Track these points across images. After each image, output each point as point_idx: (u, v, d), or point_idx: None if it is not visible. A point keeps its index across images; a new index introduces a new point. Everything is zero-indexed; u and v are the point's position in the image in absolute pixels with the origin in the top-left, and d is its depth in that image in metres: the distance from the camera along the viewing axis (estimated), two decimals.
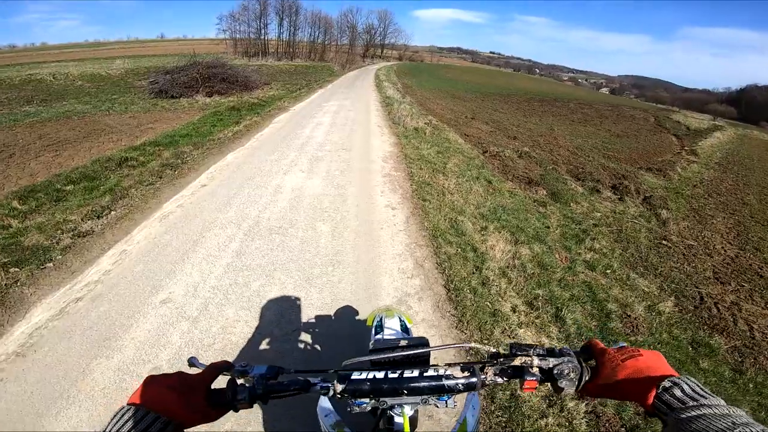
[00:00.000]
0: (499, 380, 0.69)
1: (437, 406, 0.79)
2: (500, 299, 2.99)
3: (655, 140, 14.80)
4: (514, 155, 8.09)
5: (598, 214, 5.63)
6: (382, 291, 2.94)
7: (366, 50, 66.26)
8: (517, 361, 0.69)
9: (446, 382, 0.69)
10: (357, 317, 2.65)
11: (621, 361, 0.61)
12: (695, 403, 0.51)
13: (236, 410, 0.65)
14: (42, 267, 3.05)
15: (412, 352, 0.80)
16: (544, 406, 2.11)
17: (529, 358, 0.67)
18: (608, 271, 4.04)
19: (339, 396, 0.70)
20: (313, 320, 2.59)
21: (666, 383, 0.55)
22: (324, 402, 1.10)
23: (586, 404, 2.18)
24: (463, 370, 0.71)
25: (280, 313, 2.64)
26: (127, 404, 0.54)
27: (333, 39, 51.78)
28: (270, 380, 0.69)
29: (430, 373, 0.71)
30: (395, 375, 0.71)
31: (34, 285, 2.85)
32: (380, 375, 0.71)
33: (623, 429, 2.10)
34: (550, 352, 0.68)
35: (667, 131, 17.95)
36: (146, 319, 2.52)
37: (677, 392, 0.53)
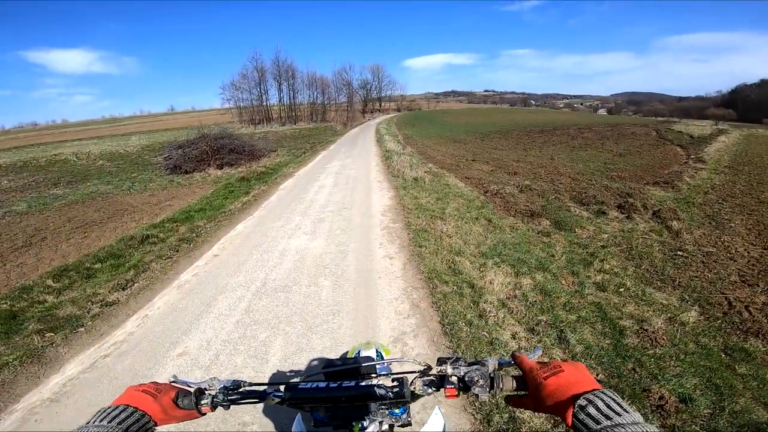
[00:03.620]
0: (429, 390, 0.77)
1: (393, 423, 0.87)
2: (498, 328, 2.97)
3: (659, 153, 14.71)
4: (515, 191, 8.20)
5: (606, 236, 5.53)
6: (379, 332, 3.03)
7: (365, 105, 68.01)
8: (435, 371, 0.77)
9: (377, 391, 0.78)
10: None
11: (543, 379, 0.61)
12: (609, 422, 0.50)
13: (200, 413, 0.76)
14: (75, 331, 3.45)
15: (350, 366, 0.92)
16: (549, 426, 2.01)
17: (445, 367, 0.75)
18: (621, 290, 3.90)
19: (288, 403, 0.81)
20: (315, 362, 2.74)
21: (582, 401, 0.54)
22: (298, 425, 1.17)
23: None
24: (393, 381, 0.80)
25: (284, 358, 2.81)
26: (111, 405, 0.66)
27: (331, 99, 52.07)
28: (231, 390, 0.81)
29: (364, 383, 0.81)
30: (335, 385, 0.81)
31: (68, 345, 3.26)
32: (322, 385, 0.81)
33: None
34: (471, 363, 0.74)
35: (671, 143, 17.85)
36: (164, 369, 2.79)
37: (592, 410, 0.52)
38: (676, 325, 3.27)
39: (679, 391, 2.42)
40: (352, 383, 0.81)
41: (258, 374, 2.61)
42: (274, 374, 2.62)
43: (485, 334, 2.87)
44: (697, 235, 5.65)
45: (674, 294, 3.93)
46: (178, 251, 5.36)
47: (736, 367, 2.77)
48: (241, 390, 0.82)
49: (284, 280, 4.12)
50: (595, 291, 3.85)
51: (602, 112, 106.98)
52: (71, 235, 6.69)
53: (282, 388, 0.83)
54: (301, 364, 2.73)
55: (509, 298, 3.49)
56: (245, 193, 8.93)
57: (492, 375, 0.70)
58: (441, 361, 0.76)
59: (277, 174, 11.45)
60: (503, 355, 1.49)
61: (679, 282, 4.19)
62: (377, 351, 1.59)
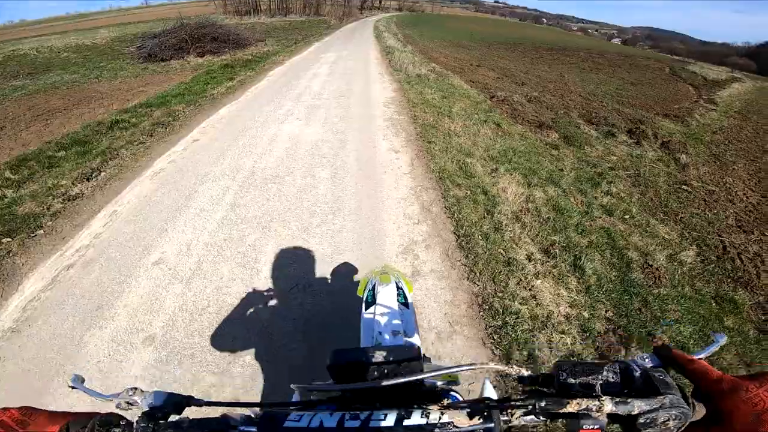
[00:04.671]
0: (533, 420, 0.45)
1: None
2: (514, 246, 2.77)
3: (671, 89, 13.97)
4: (523, 100, 7.60)
5: (614, 158, 5.30)
6: (386, 239, 2.73)
7: (363, 1, 61.81)
8: (572, 407, 0.42)
9: None
10: (356, 276, 2.44)
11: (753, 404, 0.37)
12: None
13: None
14: (33, 235, 2.89)
15: (393, 381, 0.50)
16: None
17: (597, 402, 0.41)
18: (626, 217, 3.80)
19: None
20: (314, 275, 2.40)
21: None
22: None
23: None
24: (472, 416, 0.46)
25: (278, 268, 2.45)
26: None
27: None
28: (162, 417, 0.46)
29: (415, 421, 0.45)
30: (356, 424, 0.46)
31: (26, 254, 2.72)
32: (330, 422, 0.46)
33: None
34: (627, 380, 0.44)
35: (683, 81, 16.93)
36: (138, 283, 2.36)
37: None
38: (676, 263, 3.23)
39: (678, 339, 2.39)
40: (390, 421, 0.45)
41: (248, 288, 2.29)
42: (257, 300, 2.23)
43: (501, 252, 2.66)
44: (702, 171, 5.53)
45: (675, 229, 3.88)
46: (152, 136, 4.67)
47: (724, 318, 2.77)
48: (184, 415, 0.47)
49: (275, 169, 3.67)
50: (603, 215, 3.72)
51: (616, 41, 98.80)
52: (32, 123, 5.78)
53: (256, 414, 0.49)
54: (295, 276, 2.38)
55: (522, 211, 3.28)
56: (229, 78, 7.83)
57: (689, 411, 0.40)
58: (572, 373, 0.45)
59: (265, 61, 10.12)
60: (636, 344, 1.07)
61: (681, 217, 4.14)
62: (398, 286, 1.27)
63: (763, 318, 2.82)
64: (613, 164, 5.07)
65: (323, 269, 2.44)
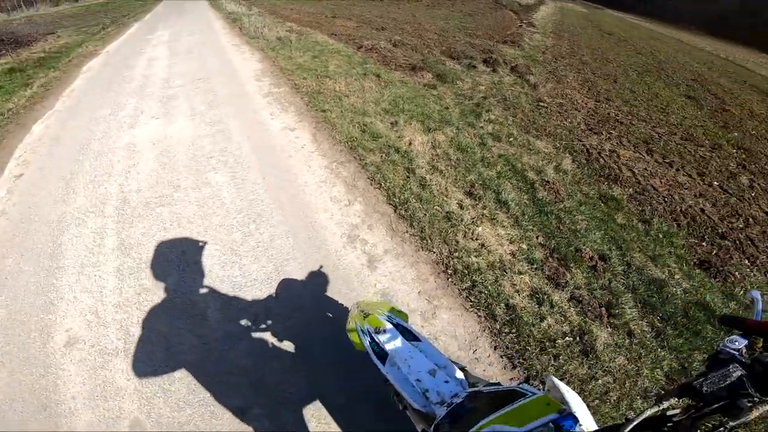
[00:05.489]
0: None
1: None
2: (445, 198, 2.87)
3: (499, 16, 15.68)
4: (389, 45, 7.64)
5: (482, 87, 5.83)
6: (325, 233, 2.52)
7: None
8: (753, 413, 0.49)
9: None
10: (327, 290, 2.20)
11: None
12: None
13: None
14: None
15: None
16: None
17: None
18: (511, 139, 4.29)
19: None
20: (273, 309, 2.07)
21: None
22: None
23: None
24: None
25: (229, 310, 2.04)
26: None
27: None
28: None
29: None
30: None
31: None
32: None
33: None
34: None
35: (505, 7, 19.14)
36: None
37: None
38: (561, 173, 3.78)
39: (596, 248, 2.75)
40: None
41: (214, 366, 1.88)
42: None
43: (438, 208, 2.71)
44: (548, 88, 6.51)
45: (549, 142, 4.53)
46: None
47: (615, 216, 3.24)
48: None
49: (155, 189, 2.98)
50: (494, 142, 4.11)
51: None
52: None
53: None
54: (253, 312, 2.03)
55: (435, 159, 3.40)
56: (25, 85, 5.77)
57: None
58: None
59: (69, 56, 7.75)
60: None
61: (548, 131, 4.85)
62: (396, 324, 1.17)
63: (640, 208, 3.46)
64: (485, 93, 5.58)
65: (280, 293, 2.16)
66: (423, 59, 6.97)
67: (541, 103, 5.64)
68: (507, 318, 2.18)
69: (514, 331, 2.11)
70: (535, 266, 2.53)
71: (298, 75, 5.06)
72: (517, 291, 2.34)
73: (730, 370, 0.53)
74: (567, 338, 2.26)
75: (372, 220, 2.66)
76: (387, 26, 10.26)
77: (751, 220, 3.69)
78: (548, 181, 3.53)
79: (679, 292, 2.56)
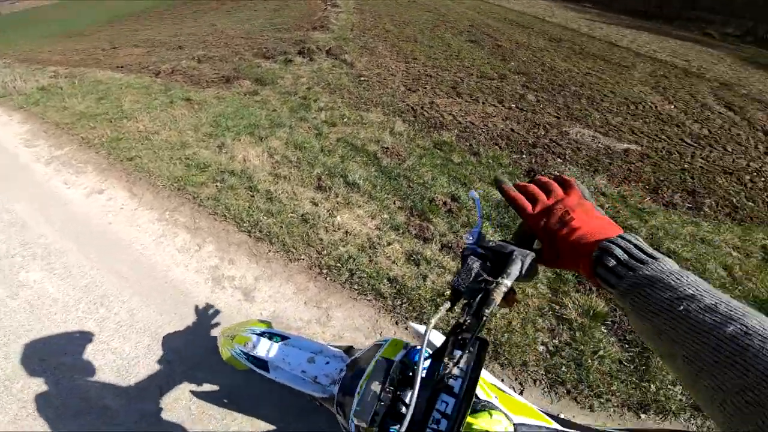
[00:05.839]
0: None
1: None
2: (296, 201, 2.76)
3: (304, 5, 15.74)
4: (194, 63, 6.92)
5: (304, 79, 5.80)
6: (188, 285, 2.22)
7: None
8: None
9: None
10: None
11: (556, 231, 0.53)
12: (631, 272, 0.43)
13: None
14: None
15: None
16: None
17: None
18: (345, 119, 4.38)
19: None
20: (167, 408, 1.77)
21: (596, 252, 0.47)
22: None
23: None
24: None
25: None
26: None
27: None
28: None
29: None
30: None
31: None
32: None
33: None
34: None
35: None
36: None
37: (610, 260, 0.45)
38: (397, 136, 4.06)
39: (446, 192, 2.99)
40: None
41: None
42: None
43: (292, 215, 2.59)
44: (364, 62, 6.83)
45: (378, 111, 4.78)
46: None
47: (452, 158, 3.59)
48: None
49: None
50: (329, 128, 4.14)
51: None
52: None
53: None
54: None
55: (275, 167, 3.23)
56: None
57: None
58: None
59: None
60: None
61: (375, 101, 5.11)
62: (260, 334, 1.21)
63: (468, 144, 3.91)
64: (308, 84, 5.55)
65: (171, 357, 1.86)
66: (235, 68, 6.55)
67: (362, 78, 5.90)
68: (394, 291, 2.24)
69: (405, 300, 2.19)
70: (401, 231, 2.64)
71: (83, 126, 4.14)
72: (394, 261, 2.42)
73: (469, 262, 0.58)
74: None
75: (230, 254, 2.43)
76: (185, 44, 9.25)
77: (547, 126, 4.59)
78: (388, 148, 3.72)
79: None
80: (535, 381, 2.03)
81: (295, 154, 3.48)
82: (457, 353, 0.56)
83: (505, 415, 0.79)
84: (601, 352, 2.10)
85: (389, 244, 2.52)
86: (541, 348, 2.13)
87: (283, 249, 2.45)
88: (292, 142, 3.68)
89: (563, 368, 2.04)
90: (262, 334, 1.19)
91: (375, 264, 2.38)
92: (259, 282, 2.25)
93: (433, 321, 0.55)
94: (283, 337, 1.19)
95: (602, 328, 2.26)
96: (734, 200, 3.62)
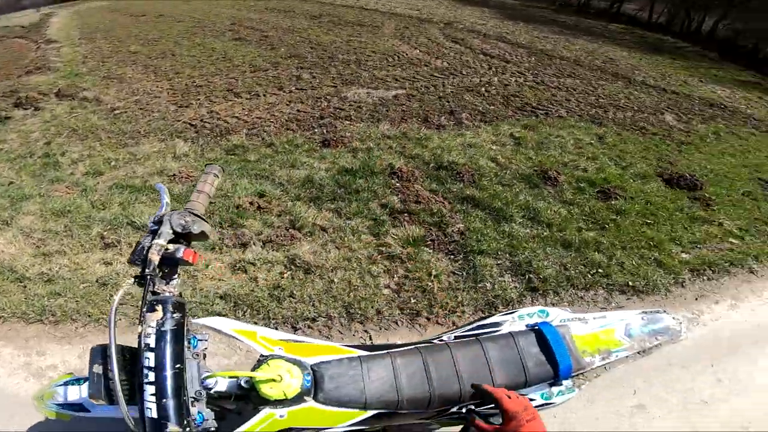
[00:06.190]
0: None
1: None
2: (81, 270, 2.23)
3: (6, 50, 12.04)
4: None
5: (37, 134, 4.55)
6: (10, 391, 1.90)
7: None
8: None
9: None
10: None
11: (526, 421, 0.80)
12: None
13: None
14: None
15: None
16: None
17: None
18: (113, 163, 3.65)
19: None
20: None
21: None
22: None
23: None
24: None
25: None
26: None
27: None
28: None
29: None
30: None
31: None
32: None
33: None
34: None
35: (6, 37, 14.77)
36: None
37: None
38: (182, 158, 3.59)
39: (251, 192, 2.96)
40: None
41: None
42: None
43: (84, 285, 2.18)
44: (113, 93, 5.75)
45: (152, 140, 4.09)
46: None
47: (248, 158, 3.53)
48: None
49: None
50: (96, 178, 3.41)
51: None
52: None
53: None
54: None
55: (39, 245, 2.51)
56: None
57: None
58: None
59: None
60: None
61: (143, 131, 4.36)
62: (58, 384, 1.19)
63: (260, 138, 3.75)
64: (44, 139, 4.34)
65: None
66: None
67: (117, 111, 4.98)
68: (231, 305, 2.15)
69: (245, 309, 2.14)
70: (216, 248, 2.45)
71: None
72: (220, 279, 2.28)
73: (141, 240, 0.81)
74: (284, 274, 2.38)
75: (33, 347, 2.10)
76: None
77: (328, 96, 4.84)
78: (175, 174, 3.31)
79: (325, 176, 3.13)
80: (396, 322, 2.20)
81: (60, 222, 2.78)
82: (148, 315, 0.71)
83: (294, 361, 0.89)
84: (434, 272, 2.42)
85: (207, 265, 2.30)
86: (386, 291, 2.31)
87: (92, 320, 2.15)
88: (50, 212, 2.90)
89: (413, 300, 2.27)
90: (66, 384, 1.19)
91: (200, 291, 2.17)
92: (85, 356, 1.78)
93: (117, 298, 0.68)
94: (85, 379, 1.15)
95: (427, 249, 2.61)
96: (480, 108, 4.62)
